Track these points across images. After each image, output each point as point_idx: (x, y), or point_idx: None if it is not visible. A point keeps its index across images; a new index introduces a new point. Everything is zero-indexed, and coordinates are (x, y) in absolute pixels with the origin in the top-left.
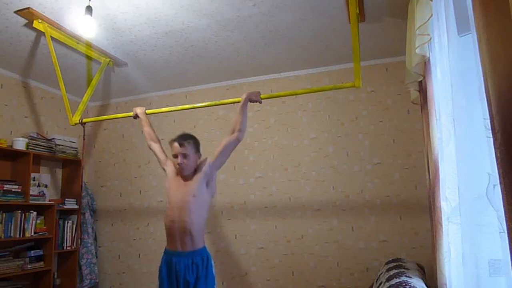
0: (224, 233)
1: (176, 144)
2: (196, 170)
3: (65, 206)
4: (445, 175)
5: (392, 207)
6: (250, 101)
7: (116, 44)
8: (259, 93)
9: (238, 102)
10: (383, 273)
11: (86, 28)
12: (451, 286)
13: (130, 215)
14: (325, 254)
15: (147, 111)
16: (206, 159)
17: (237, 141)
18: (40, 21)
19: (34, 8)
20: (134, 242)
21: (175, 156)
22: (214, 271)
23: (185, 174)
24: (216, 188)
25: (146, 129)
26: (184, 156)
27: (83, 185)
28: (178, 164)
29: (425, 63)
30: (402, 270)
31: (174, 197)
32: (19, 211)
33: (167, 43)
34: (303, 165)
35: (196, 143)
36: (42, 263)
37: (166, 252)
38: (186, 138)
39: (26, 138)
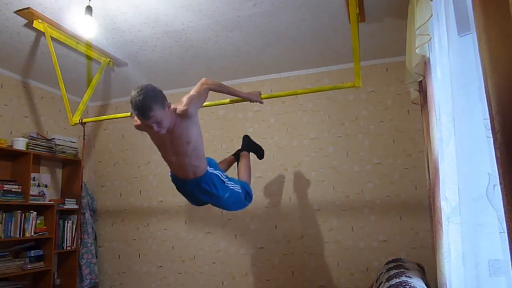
0: (224, 233)
1: (142, 119)
2: (177, 117)
3: (65, 206)
4: (445, 175)
5: (392, 207)
6: (251, 101)
7: (116, 44)
8: (259, 93)
9: (238, 102)
10: (383, 273)
11: (86, 28)
12: (451, 286)
13: (130, 215)
14: (325, 254)
15: None
16: (183, 104)
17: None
18: (40, 21)
19: (34, 8)
20: (134, 242)
21: (149, 127)
22: (223, 177)
23: (166, 131)
24: None
25: None
26: (158, 123)
27: (83, 185)
28: (156, 130)
29: (425, 63)
30: (402, 270)
31: (165, 148)
32: (19, 211)
33: (167, 43)
34: (303, 165)
35: (157, 100)
36: (42, 263)
37: (172, 174)
38: (147, 107)
39: (26, 138)
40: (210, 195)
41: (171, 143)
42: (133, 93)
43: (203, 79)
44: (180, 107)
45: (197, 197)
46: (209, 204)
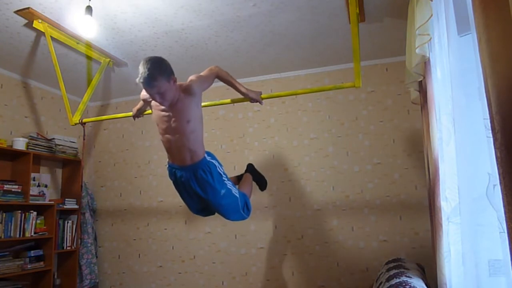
0: (224, 233)
1: (146, 88)
2: (180, 93)
3: (65, 206)
4: (445, 175)
5: (392, 207)
6: (251, 101)
7: (116, 44)
8: (260, 93)
9: (238, 102)
10: (383, 273)
11: (86, 28)
12: (451, 286)
13: (130, 215)
14: (325, 254)
15: (148, 111)
16: (190, 80)
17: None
18: (40, 21)
19: (34, 8)
20: (134, 242)
21: (153, 98)
22: (221, 170)
23: (169, 104)
24: None
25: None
26: (161, 94)
27: (83, 185)
28: (159, 102)
29: (425, 63)
30: (402, 270)
31: (165, 126)
32: (19, 211)
33: (167, 43)
34: (303, 165)
35: (163, 72)
36: (42, 263)
37: (169, 164)
38: (152, 77)
39: (26, 138)
40: (205, 187)
41: (171, 119)
42: (142, 62)
43: (213, 66)
44: (185, 83)
45: (193, 190)
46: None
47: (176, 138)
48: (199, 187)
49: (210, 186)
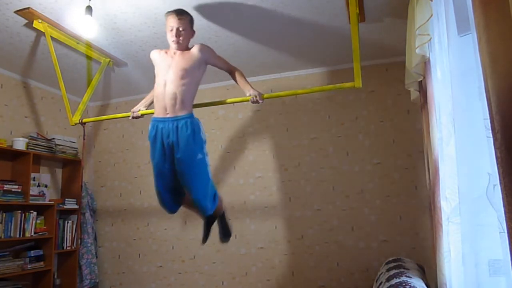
0: None
1: (173, 16)
2: (189, 49)
3: (65, 206)
4: (445, 175)
5: (392, 207)
6: (252, 101)
7: (116, 44)
8: (260, 93)
9: (238, 102)
10: (383, 273)
11: (86, 28)
12: (451, 286)
13: (130, 215)
14: (325, 254)
15: (147, 111)
16: (203, 45)
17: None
18: (40, 21)
19: (34, 8)
20: (134, 242)
21: (171, 29)
22: (203, 137)
23: (177, 49)
24: None
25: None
26: (179, 31)
27: (83, 185)
28: (174, 37)
29: (425, 63)
30: (402, 270)
31: (163, 72)
32: (19, 211)
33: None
34: (303, 165)
35: (192, 19)
36: (42, 263)
37: (153, 119)
38: (183, 12)
39: (26, 138)
40: (184, 143)
41: (170, 69)
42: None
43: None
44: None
45: (170, 147)
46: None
47: (169, 81)
48: (176, 142)
49: (188, 144)
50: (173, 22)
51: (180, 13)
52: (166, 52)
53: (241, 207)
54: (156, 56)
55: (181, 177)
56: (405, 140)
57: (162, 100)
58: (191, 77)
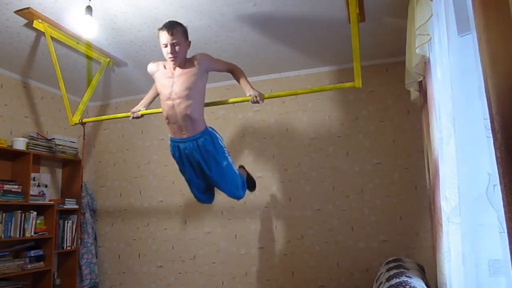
0: (224, 233)
1: (165, 33)
2: (187, 62)
3: (65, 206)
4: (445, 175)
5: (392, 207)
6: (252, 101)
7: (116, 44)
8: (261, 94)
9: (238, 102)
10: (383, 273)
11: (86, 28)
12: (451, 286)
13: (130, 215)
14: (325, 254)
15: (147, 111)
16: (200, 55)
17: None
18: (40, 21)
19: (34, 8)
20: (134, 242)
21: (165, 46)
22: (222, 143)
23: (176, 65)
24: None
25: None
26: (174, 45)
27: (83, 185)
28: (169, 54)
29: (425, 63)
30: (402, 270)
31: (168, 91)
32: (19, 211)
33: None
34: (303, 165)
35: (185, 30)
36: (42, 263)
37: (171, 140)
38: (174, 26)
39: (26, 138)
40: (208, 157)
41: (173, 84)
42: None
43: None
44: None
45: (198, 162)
46: (209, 205)
47: (177, 103)
48: (201, 158)
49: (213, 157)
50: (166, 39)
51: (172, 28)
52: (164, 67)
53: (241, 207)
54: (154, 69)
55: (213, 184)
56: (405, 140)
57: (176, 122)
58: (197, 92)
